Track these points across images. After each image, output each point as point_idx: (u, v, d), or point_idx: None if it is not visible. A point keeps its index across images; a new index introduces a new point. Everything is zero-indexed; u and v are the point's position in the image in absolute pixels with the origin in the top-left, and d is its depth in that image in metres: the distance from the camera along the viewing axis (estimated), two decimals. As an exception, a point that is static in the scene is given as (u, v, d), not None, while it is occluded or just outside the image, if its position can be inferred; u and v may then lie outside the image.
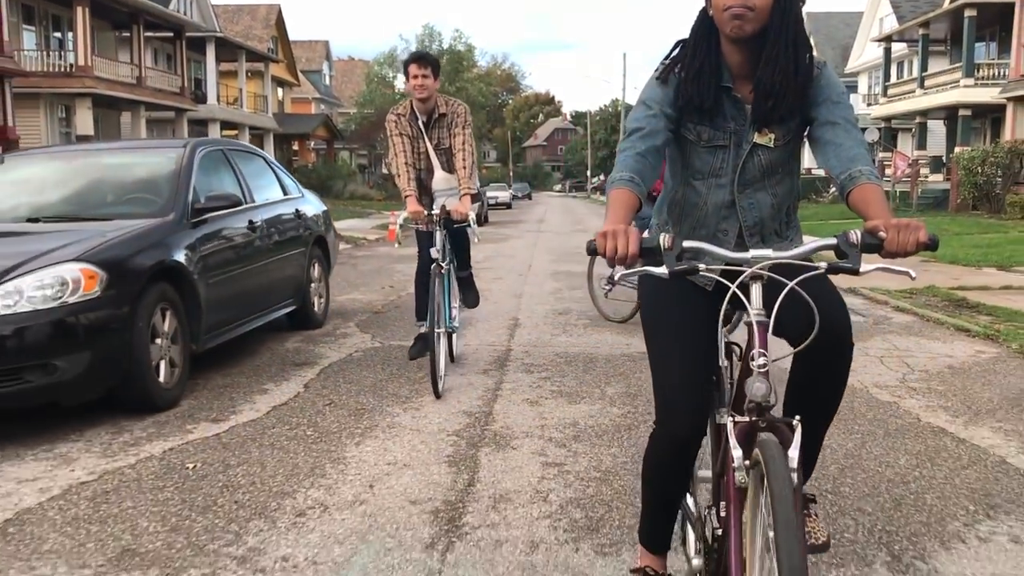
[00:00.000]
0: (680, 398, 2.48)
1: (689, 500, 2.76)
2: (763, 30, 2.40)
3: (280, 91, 52.07)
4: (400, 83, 66.63)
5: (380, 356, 6.99)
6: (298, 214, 8.04)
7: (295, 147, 51.68)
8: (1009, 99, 28.12)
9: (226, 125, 40.90)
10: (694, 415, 2.50)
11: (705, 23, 2.50)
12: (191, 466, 4.31)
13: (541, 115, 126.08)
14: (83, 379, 4.82)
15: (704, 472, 2.80)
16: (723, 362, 2.67)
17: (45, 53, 29.01)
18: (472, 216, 5.87)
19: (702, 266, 2.22)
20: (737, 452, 2.12)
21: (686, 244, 2.22)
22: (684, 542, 2.79)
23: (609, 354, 6.98)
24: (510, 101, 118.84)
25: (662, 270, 2.16)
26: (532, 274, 13.28)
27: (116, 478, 4.14)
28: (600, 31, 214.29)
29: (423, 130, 6.16)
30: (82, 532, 3.50)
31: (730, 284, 2.18)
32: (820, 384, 2.54)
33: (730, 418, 2.19)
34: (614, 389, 5.83)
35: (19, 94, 25.43)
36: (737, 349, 2.64)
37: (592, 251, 2.20)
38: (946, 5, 33.78)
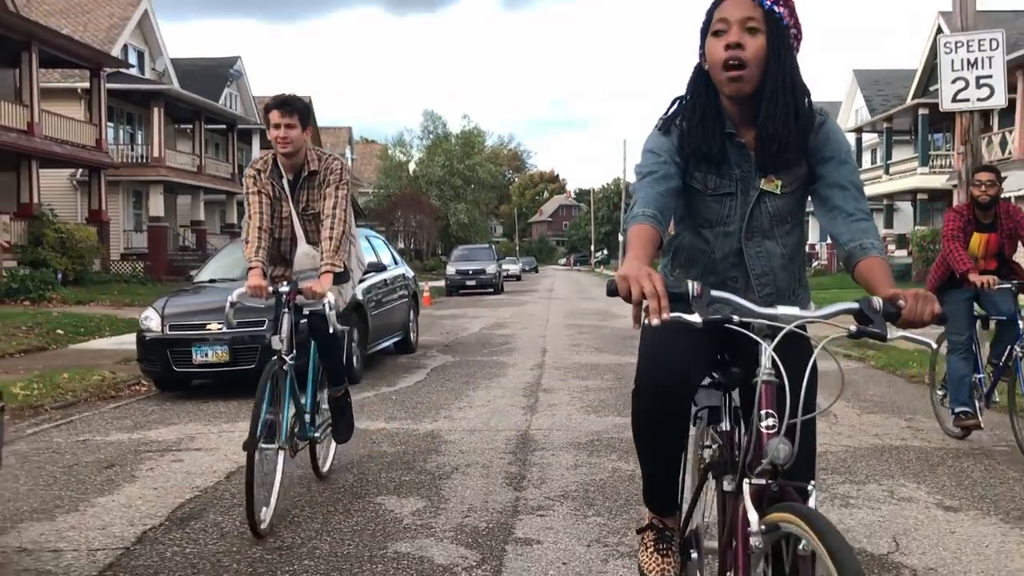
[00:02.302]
0: (672, 355, 2.51)
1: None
2: (760, 85, 2.44)
3: (309, 174, 56.80)
4: (413, 164, 72.15)
5: (463, 364, 11.24)
6: (404, 276, 12.36)
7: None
8: (954, 186, 32.52)
9: (266, 206, 45.45)
10: (681, 371, 2.53)
11: (701, 76, 2.55)
12: (393, 397, 8.55)
13: (546, 192, 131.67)
14: (326, 359, 9.05)
15: (710, 543, 2.79)
16: (726, 426, 2.67)
17: (125, 147, 33.74)
18: (330, 299, 4.75)
19: (736, 317, 2.19)
20: (754, 515, 2.08)
21: (714, 293, 2.20)
22: None
23: (607, 364, 11.14)
24: (516, 179, 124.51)
25: (695, 318, 2.10)
26: (550, 326, 17.54)
27: (362, 401, 8.34)
28: (608, 111, 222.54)
29: (287, 191, 4.99)
30: (380, 410, 7.70)
31: (760, 339, 2.20)
32: None
33: (746, 481, 2.16)
34: (607, 375, 10.03)
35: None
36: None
37: (612, 292, 2.12)
38: (907, 102, 38.59)
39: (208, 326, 8.73)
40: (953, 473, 5.60)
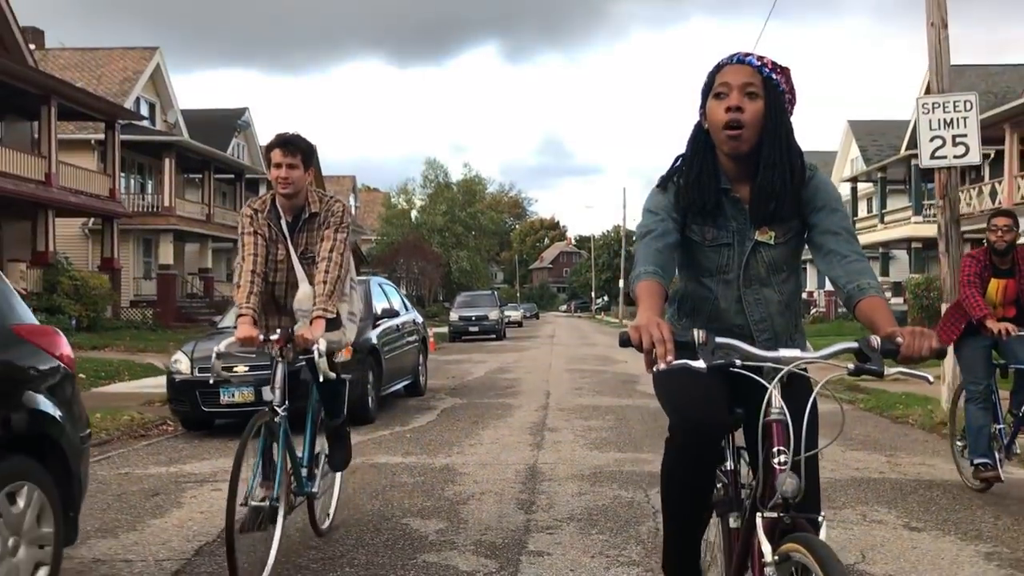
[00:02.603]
0: (698, 397, 2.65)
1: None
2: (756, 145, 2.63)
3: (314, 221, 57.64)
4: (415, 212, 73.09)
5: (471, 405, 11.85)
6: (414, 322, 12.99)
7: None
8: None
9: (272, 253, 46.28)
10: (716, 405, 2.66)
11: (700, 135, 2.75)
12: (407, 435, 9.13)
13: (547, 239, 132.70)
14: (349, 400, 9.62)
15: None
16: (731, 465, 2.82)
17: (136, 196, 34.57)
18: (322, 347, 4.42)
19: (738, 361, 2.31)
20: (767, 547, 2.23)
21: (718, 340, 2.32)
22: None
23: (607, 406, 11.71)
24: (516, 226, 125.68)
25: (700, 364, 2.23)
26: (553, 370, 18.14)
27: (379, 438, 8.92)
28: (608, 160, 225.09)
29: (286, 233, 4.75)
30: (396, 446, 8.26)
31: (766, 383, 2.36)
32: None
33: (759, 514, 2.31)
34: (608, 416, 10.61)
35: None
36: (746, 454, 2.82)
37: (624, 343, 2.27)
38: (901, 153, 39.51)
39: (235, 368, 9.33)
40: (923, 501, 6.18)
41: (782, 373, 2.36)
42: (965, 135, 10.77)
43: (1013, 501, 6.11)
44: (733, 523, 2.76)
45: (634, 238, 3.06)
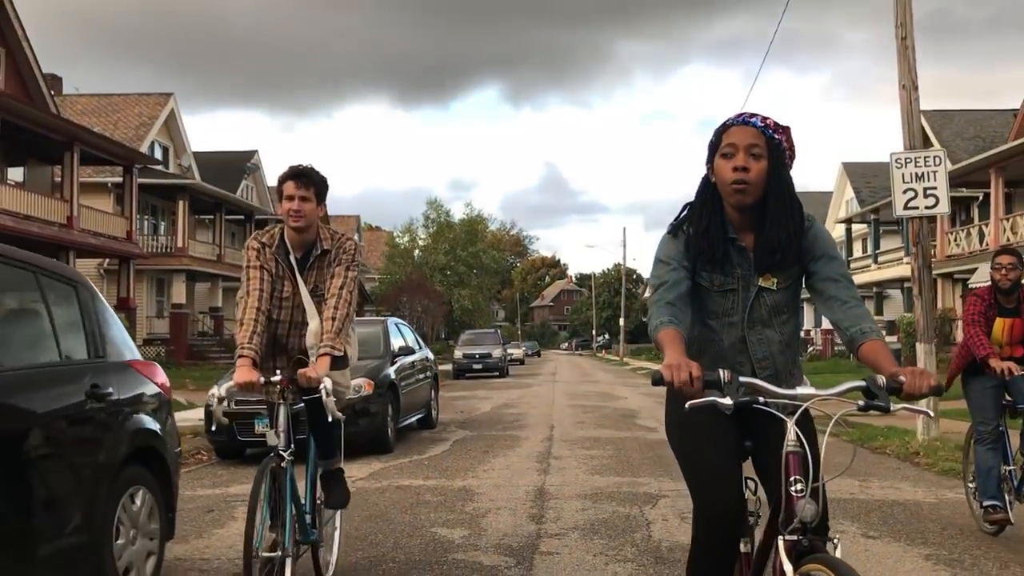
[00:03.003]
0: (716, 474, 2.84)
1: None
2: (759, 198, 2.83)
3: (319, 261, 58.65)
4: (418, 251, 74.15)
5: (481, 437, 12.76)
6: (427, 359, 13.95)
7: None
8: (936, 276, 34.32)
9: (279, 292, 47.30)
10: (732, 487, 2.85)
11: (708, 187, 2.95)
12: (425, 462, 10.03)
13: (548, 277, 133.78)
14: (370, 431, 10.53)
15: None
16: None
17: (149, 237, 35.66)
18: (328, 385, 4.22)
19: (761, 399, 2.49)
20: (788, 567, 2.38)
21: (741, 379, 2.50)
22: None
23: (608, 438, 12.61)
24: (518, 264, 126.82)
25: (727, 401, 2.42)
26: (556, 406, 19.04)
27: (401, 465, 9.83)
28: (610, 198, 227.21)
29: (294, 269, 4.57)
30: (417, 471, 9.16)
31: (785, 417, 2.53)
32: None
33: (780, 538, 2.47)
34: (608, 446, 11.50)
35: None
36: (752, 484, 3.02)
37: (657, 382, 2.45)
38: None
39: (268, 401, 10.24)
40: (883, 516, 7.06)
41: (800, 409, 2.57)
42: (935, 188, 11.74)
43: (961, 516, 6.98)
44: (743, 548, 3.00)
45: (648, 286, 3.42)
